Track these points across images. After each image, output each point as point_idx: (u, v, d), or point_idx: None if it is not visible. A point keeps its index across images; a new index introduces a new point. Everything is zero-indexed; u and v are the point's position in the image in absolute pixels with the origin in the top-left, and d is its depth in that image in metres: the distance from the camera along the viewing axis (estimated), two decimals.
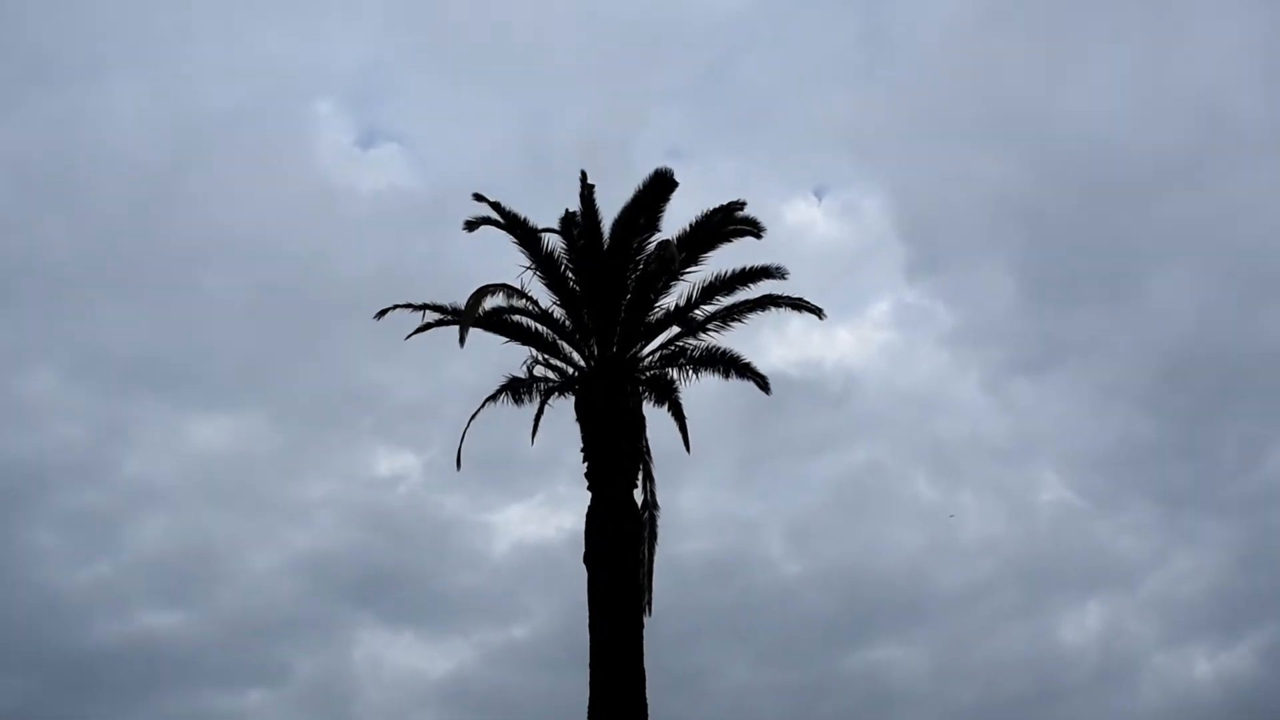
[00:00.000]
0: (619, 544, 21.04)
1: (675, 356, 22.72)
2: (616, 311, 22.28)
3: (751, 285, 22.65)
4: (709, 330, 22.72)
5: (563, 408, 22.52)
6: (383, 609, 45.76)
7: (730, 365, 22.75)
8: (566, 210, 22.43)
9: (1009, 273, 51.17)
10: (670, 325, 22.67)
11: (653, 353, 22.78)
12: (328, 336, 46.72)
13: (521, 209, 22.41)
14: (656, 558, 22.37)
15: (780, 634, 43.27)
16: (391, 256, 42.85)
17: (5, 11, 50.38)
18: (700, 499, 42.13)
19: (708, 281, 22.52)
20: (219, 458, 47.18)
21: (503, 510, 50.75)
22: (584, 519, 21.53)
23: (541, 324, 22.56)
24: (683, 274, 22.47)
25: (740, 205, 22.31)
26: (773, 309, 22.53)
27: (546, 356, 22.67)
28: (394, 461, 48.19)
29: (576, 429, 22.09)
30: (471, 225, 22.19)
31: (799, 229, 50.81)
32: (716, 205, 22.30)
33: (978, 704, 41.11)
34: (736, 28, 57.75)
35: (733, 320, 22.63)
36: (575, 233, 22.25)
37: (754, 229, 22.45)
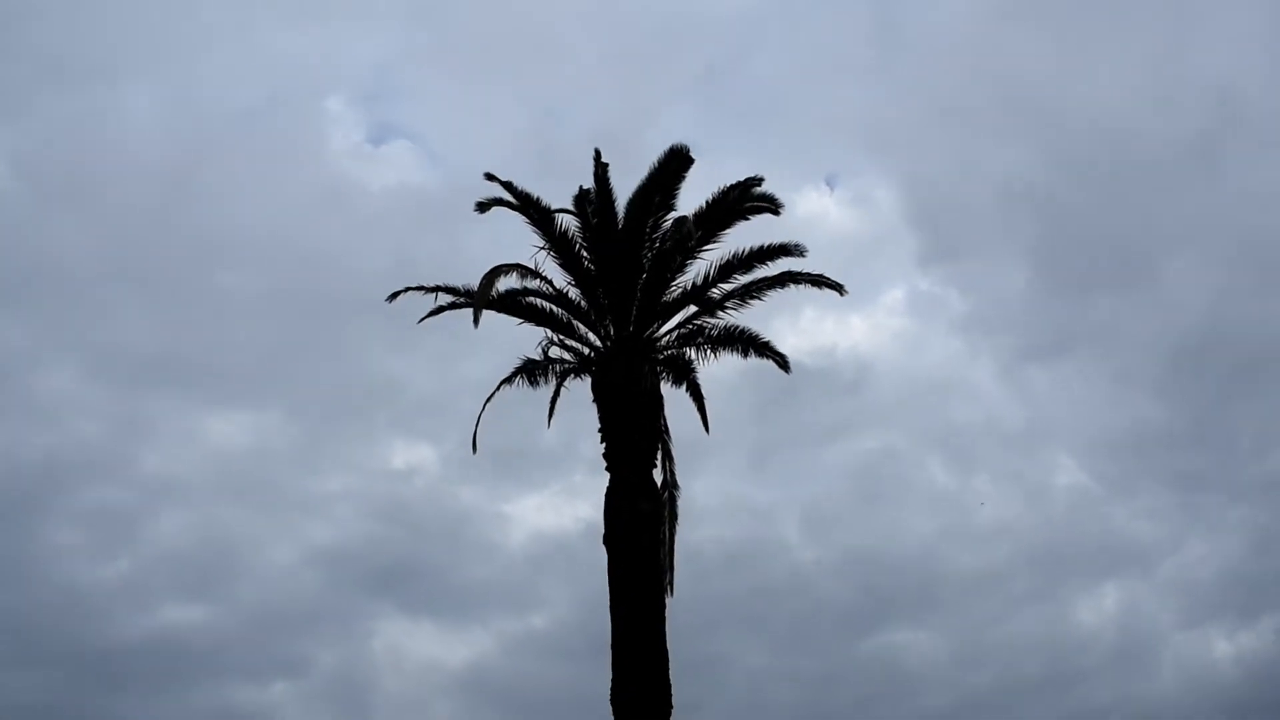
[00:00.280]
0: (638, 524, 20.71)
1: (693, 336, 22.37)
2: (633, 291, 21.95)
3: (770, 263, 22.31)
4: (727, 309, 22.38)
5: (579, 392, 22.28)
6: (402, 600, 46.09)
7: (749, 344, 22.38)
8: (580, 188, 22.08)
9: (1022, 260, 51.20)
10: (687, 304, 22.32)
11: (670, 332, 22.47)
12: (343, 331, 46.82)
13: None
14: (677, 538, 22.07)
15: (796, 620, 43.46)
16: (404, 252, 42.95)
17: (18, 13, 50.56)
18: (715, 487, 42.14)
19: (725, 259, 22.16)
20: (237, 453, 47.56)
21: (519, 501, 50.79)
22: (601, 507, 21.22)
23: (556, 305, 22.27)
24: (699, 252, 22.14)
25: (758, 181, 21.93)
26: (792, 286, 22.13)
27: (562, 338, 22.37)
28: (410, 454, 48.44)
29: (591, 417, 21.79)
30: (483, 206, 21.85)
31: (811, 218, 50.44)
32: (733, 182, 21.98)
33: (994, 688, 41.30)
34: (747, 22, 57.56)
35: (751, 298, 22.27)
36: (589, 210, 21.91)
37: (772, 205, 22.07)
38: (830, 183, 55.22)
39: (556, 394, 22.34)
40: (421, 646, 46.47)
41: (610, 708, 19.98)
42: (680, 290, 22.27)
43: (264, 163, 51.65)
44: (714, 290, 22.29)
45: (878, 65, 55.71)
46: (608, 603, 20.67)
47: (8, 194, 48.76)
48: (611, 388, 21.53)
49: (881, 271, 53.94)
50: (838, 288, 22.04)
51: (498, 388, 22.18)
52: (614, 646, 20.21)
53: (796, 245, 22.13)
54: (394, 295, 21.78)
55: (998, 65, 52.90)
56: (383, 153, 58.52)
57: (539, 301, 22.22)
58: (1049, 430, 49.74)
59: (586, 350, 22.32)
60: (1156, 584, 45.49)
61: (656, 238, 21.95)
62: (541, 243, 22.12)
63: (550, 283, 21.99)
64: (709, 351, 22.40)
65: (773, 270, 22.28)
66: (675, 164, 21.49)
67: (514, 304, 22.11)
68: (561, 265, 22.21)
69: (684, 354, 22.43)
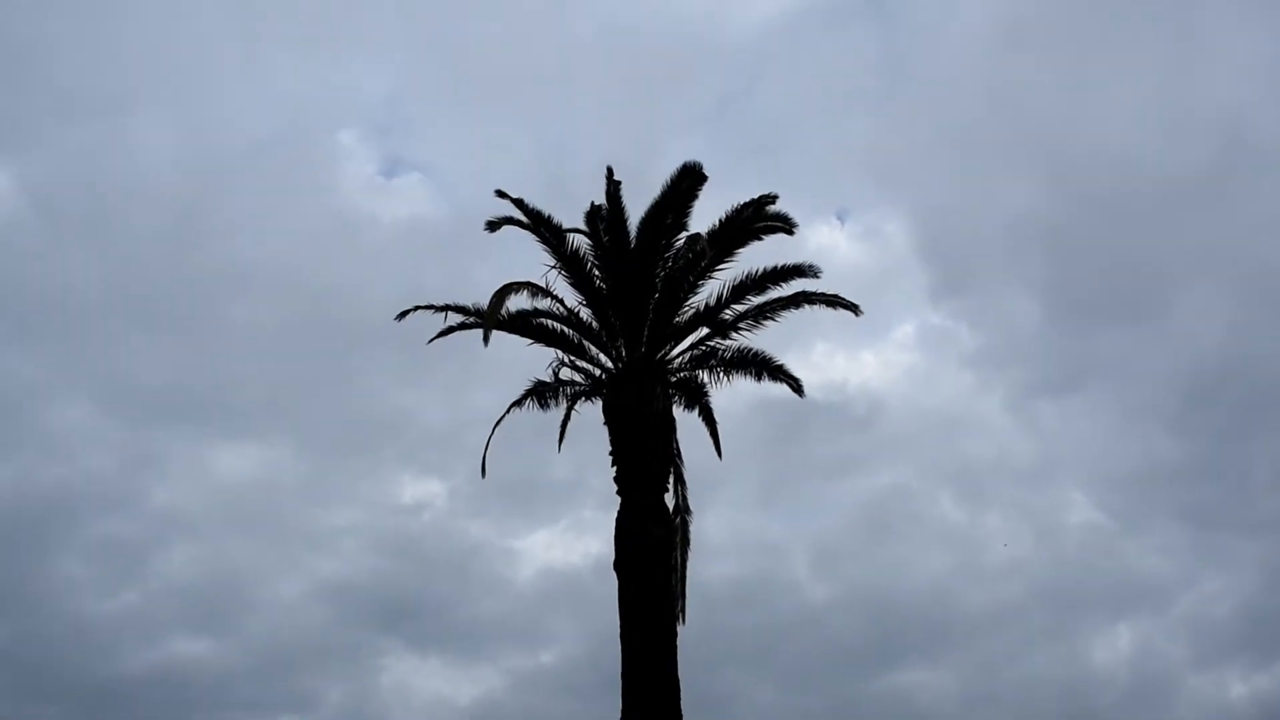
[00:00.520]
0: (650, 549, 20.19)
1: (706, 358, 21.96)
2: (645, 311, 21.56)
3: (783, 284, 21.90)
4: (740, 330, 21.96)
5: (590, 419, 21.82)
6: (410, 636, 45.61)
7: (763, 367, 21.96)
8: (592, 204, 21.80)
9: (1032, 294, 50.81)
10: (700, 325, 21.90)
11: (682, 354, 22.05)
12: (352, 365, 46.79)
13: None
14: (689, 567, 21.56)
15: (807, 658, 42.97)
16: (415, 285, 42.70)
17: (33, 46, 50.78)
18: (725, 522, 41.79)
19: (739, 280, 21.79)
20: (246, 486, 47.38)
21: (529, 536, 50.73)
22: (610, 543, 20.69)
23: (567, 326, 21.91)
24: (712, 272, 21.78)
25: (771, 199, 21.55)
26: (806, 307, 21.70)
27: (573, 359, 22.00)
28: (419, 489, 48.35)
29: (601, 448, 21.31)
30: (494, 225, 21.56)
31: (821, 252, 49.92)
32: (746, 200, 21.63)
33: None
34: (755, 54, 57.68)
35: (765, 319, 21.84)
36: (601, 228, 21.57)
37: (786, 225, 21.70)
38: (841, 216, 55.02)
39: (567, 417, 22.00)
40: (430, 683, 46.12)
41: None
42: (693, 311, 21.89)
43: (276, 195, 52.02)
44: (727, 311, 21.90)
45: (886, 97, 55.90)
46: (617, 638, 20.05)
47: (21, 226, 49.01)
48: (623, 410, 21.06)
49: (892, 305, 53.71)
50: (853, 308, 21.62)
51: (508, 410, 21.85)
52: (624, 675, 19.60)
53: (811, 266, 21.79)
54: (403, 314, 21.45)
55: (1006, 97, 53.04)
56: (395, 185, 58.79)
57: (549, 322, 21.86)
58: (1061, 465, 49.44)
59: (598, 372, 21.93)
60: (1171, 621, 44.99)
61: (669, 257, 21.58)
62: (552, 261, 21.83)
63: (561, 302, 21.70)
64: (722, 374, 22.02)
65: (786, 291, 21.91)
66: (688, 182, 21.13)
67: (524, 324, 21.75)
68: (573, 284, 21.88)
69: (696, 376, 22.06)
